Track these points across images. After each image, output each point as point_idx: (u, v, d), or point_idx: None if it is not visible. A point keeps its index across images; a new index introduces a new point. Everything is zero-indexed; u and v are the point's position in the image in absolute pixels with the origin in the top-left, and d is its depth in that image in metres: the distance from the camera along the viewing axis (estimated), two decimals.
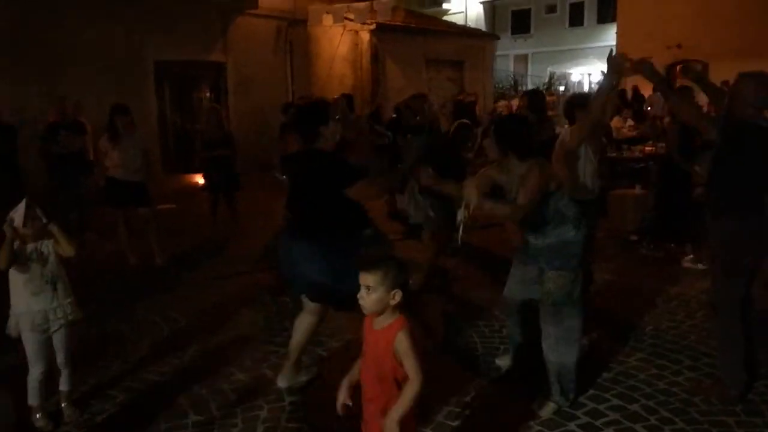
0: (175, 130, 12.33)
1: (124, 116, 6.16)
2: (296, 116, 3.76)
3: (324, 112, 3.57)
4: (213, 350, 4.30)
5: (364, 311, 2.29)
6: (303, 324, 3.67)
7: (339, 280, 3.24)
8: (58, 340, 3.31)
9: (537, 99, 5.60)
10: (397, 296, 2.21)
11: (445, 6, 33.34)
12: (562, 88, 23.92)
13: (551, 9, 32.06)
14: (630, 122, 12.08)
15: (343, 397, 2.36)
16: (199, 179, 10.90)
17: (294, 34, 14.27)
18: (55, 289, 3.25)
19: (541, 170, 3.20)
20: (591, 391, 3.52)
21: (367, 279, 2.21)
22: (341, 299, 3.38)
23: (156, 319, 4.87)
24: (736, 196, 3.31)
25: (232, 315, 4.92)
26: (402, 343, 2.18)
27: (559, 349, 3.32)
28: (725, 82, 14.78)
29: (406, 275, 2.27)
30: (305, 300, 3.64)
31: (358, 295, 2.25)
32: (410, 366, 2.17)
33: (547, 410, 3.34)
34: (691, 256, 5.88)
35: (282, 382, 3.69)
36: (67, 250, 3.25)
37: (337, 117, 3.77)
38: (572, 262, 3.28)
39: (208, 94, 12.77)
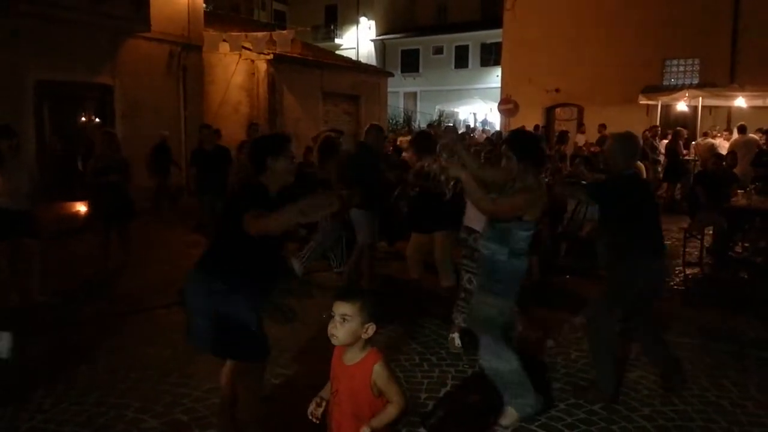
0: (55, 154, 11.45)
1: (8, 139, 5.61)
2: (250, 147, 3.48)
3: (279, 144, 3.18)
4: (117, 395, 3.92)
5: (335, 342, 2.24)
6: (228, 372, 3.28)
7: (218, 328, 2.99)
8: None
9: (424, 140, 5.55)
10: (370, 330, 2.21)
11: (337, 41, 33.95)
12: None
13: (438, 50, 33.66)
14: None
15: (313, 405, 2.33)
16: (82, 207, 10.18)
17: (187, 59, 13.83)
18: None
19: (531, 196, 3.36)
20: (518, 424, 3.58)
21: (344, 308, 2.17)
22: (225, 349, 3.12)
23: (48, 364, 4.40)
24: (630, 241, 3.81)
25: (135, 355, 4.55)
26: (381, 375, 2.19)
27: (487, 355, 3.52)
28: (602, 125, 16.06)
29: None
30: None
31: (329, 326, 2.18)
32: (393, 392, 2.20)
33: (508, 417, 3.49)
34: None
35: None
36: None
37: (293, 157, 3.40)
38: (496, 287, 3.39)
39: (96, 119, 12.01)
